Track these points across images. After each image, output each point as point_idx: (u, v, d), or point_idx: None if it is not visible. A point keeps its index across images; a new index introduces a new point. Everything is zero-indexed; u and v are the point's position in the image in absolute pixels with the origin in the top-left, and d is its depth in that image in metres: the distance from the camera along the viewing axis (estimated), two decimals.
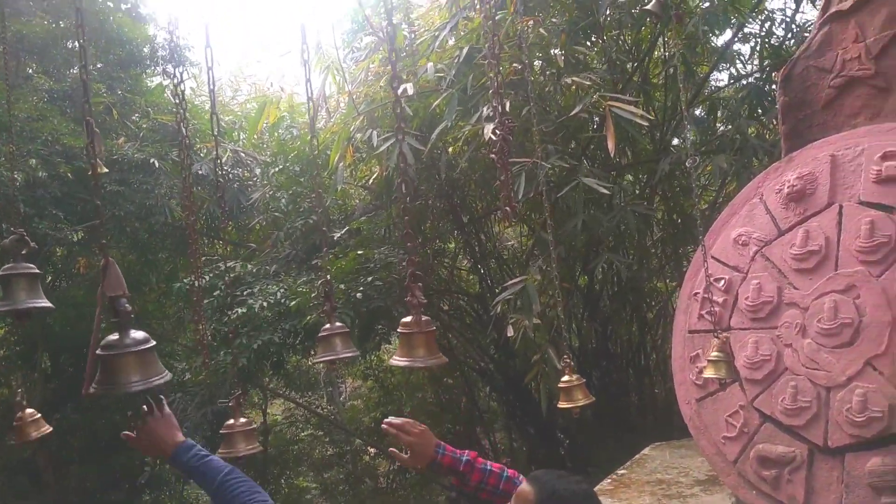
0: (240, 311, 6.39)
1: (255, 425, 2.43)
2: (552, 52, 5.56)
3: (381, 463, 10.69)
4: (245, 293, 6.71)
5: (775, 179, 2.91)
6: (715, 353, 2.35)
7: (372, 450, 10.55)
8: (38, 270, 1.87)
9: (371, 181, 7.18)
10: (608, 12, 5.98)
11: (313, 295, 5.85)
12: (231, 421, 2.36)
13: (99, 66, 7.98)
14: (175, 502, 9.52)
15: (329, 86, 7.25)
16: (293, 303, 6.12)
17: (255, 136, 8.64)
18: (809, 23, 6.05)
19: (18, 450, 8.59)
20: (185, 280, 7.10)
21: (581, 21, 5.76)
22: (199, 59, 8.90)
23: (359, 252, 6.27)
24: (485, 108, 5.17)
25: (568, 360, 2.74)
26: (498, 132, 2.04)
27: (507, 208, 2.07)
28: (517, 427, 9.07)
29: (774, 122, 6.01)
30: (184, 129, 2.79)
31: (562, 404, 2.67)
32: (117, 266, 1.70)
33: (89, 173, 1.66)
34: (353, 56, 6.78)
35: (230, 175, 8.36)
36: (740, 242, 2.95)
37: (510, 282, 5.39)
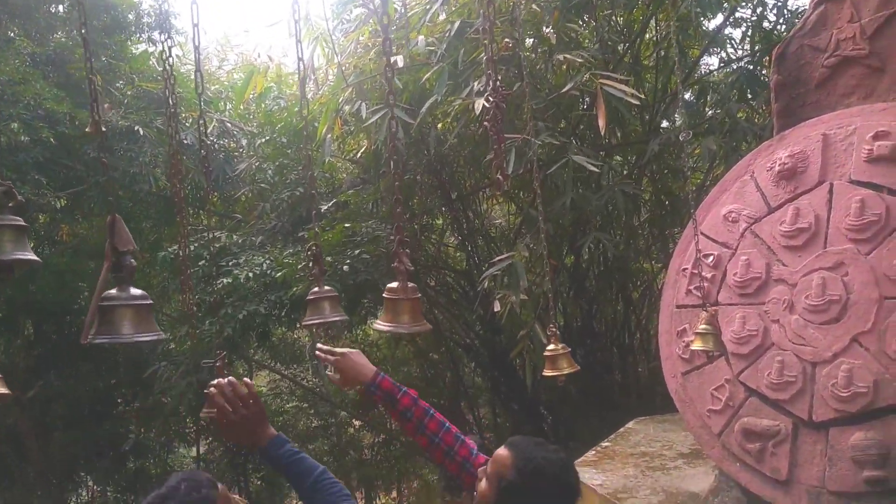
0: (225, 281, 6.37)
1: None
2: (544, 29, 5.52)
3: (365, 435, 10.76)
4: (230, 264, 6.67)
5: (767, 157, 2.92)
6: (703, 326, 2.37)
7: (357, 422, 10.59)
8: (24, 223, 1.83)
9: (359, 155, 7.13)
10: None
11: (300, 266, 5.83)
12: (216, 381, 2.34)
13: (83, 31, 7.80)
14: (160, 469, 9.53)
15: (318, 58, 7.16)
16: (279, 274, 6.10)
17: (242, 107, 8.52)
18: (802, 8, 6.04)
19: (2, 416, 8.55)
20: (169, 249, 7.04)
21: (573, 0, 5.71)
22: (185, 27, 8.74)
23: (346, 225, 6.24)
24: (475, 83, 5.14)
25: (553, 329, 2.75)
26: (491, 100, 2.01)
27: (499, 176, 2.05)
28: (501, 403, 9.15)
29: (765, 107, 6.04)
30: (171, 100, 2.76)
31: (547, 372, 2.69)
32: (123, 222, 1.75)
33: (87, 130, 1.66)
34: (343, 27, 6.69)
35: (216, 145, 8.26)
36: (730, 219, 2.97)
37: (498, 258, 5.40)
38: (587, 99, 6.16)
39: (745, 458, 2.79)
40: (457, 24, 5.37)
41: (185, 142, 7.78)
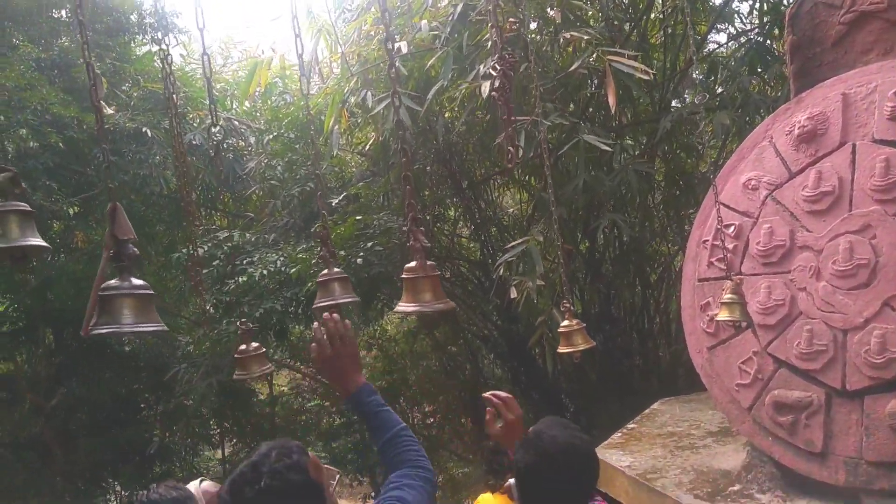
0: (240, 280, 6.35)
1: (264, 350, 2.57)
2: (549, 11, 5.43)
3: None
4: (245, 262, 6.65)
5: (785, 121, 2.82)
6: (728, 296, 2.29)
7: None
8: (31, 209, 1.79)
9: (367, 147, 7.07)
10: None
11: (313, 261, 5.79)
12: (243, 346, 2.48)
13: (89, 36, 7.81)
14: (185, 472, 9.57)
15: (322, 51, 7.11)
16: (293, 270, 6.06)
17: (249, 104, 8.50)
18: None
19: (26, 425, 8.62)
20: (183, 251, 7.03)
21: None
22: (187, 26, 8.72)
23: (357, 217, 6.19)
24: (481, 66, 5.06)
25: (567, 305, 2.68)
26: (498, 67, 1.94)
27: (510, 149, 1.98)
28: (522, 393, 9.07)
29: (776, 80, 5.92)
30: (174, 97, 2.77)
31: (562, 349, 2.63)
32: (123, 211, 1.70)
33: (95, 122, 1.64)
34: (345, 17, 6.63)
35: (224, 144, 8.24)
36: (750, 187, 2.88)
37: (512, 244, 5.33)
38: (595, 80, 6.06)
39: (778, 432, 2.71)
40: (459, 7, 5.29)
41: (194, 143, 7.77)
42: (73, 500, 8.66)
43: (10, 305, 8.96)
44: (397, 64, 5.30)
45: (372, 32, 5.85)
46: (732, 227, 2.88)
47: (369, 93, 5.45)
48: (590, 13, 6.16)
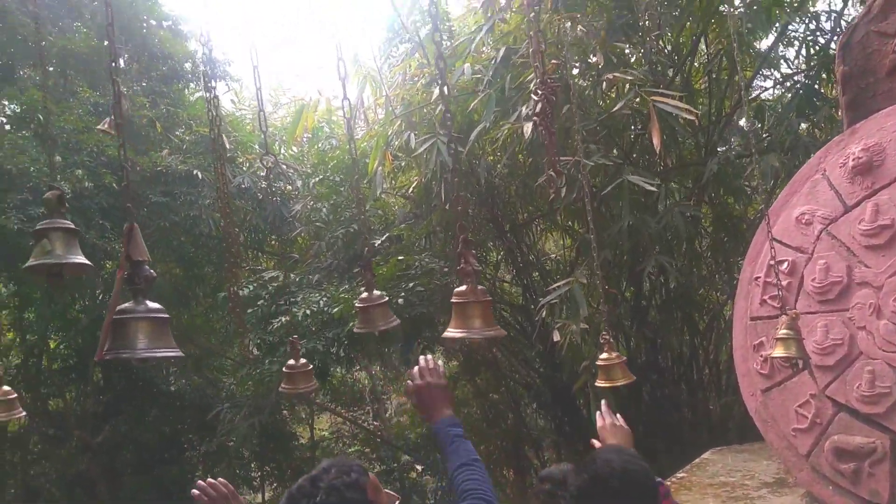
0: (283, 319, 6.40)
1: (311, 367, 2.75)
2: (591, 57, 5.46)
3: (428, 480, 10.52)
4: (288, 302, 6.72)
5: (838, 153, 2.73)
6: (784, 331, 2.17)
7: (419, 466, 10.39)
8: (75, 227, 1.83)
9: (410, 190, 7.14)
10: (646, 16, 5.87)
11: (356, 301, 5.80)
12: (291, 361, 2.67)
13: (143, 83, 8.20)
14: None
15: (367, 97, 7.29)
16: (336, 310, 6.08)
17: (296, 149, 8.71)
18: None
19: (74, 462, 8.73)
20: (231, 288, 7.13)
21: (619, 21, 5.64)
22: (238, 74, 9.06)
23: (399, 258, 6.21)
24: (523, 108, 5.09)
25: (607, 338, 2.58)
26: (539, 92, 1.92)
27: (552, 172, 1.95)
28: (566, 444, 8.81)
29: (825, 123, 5.79)
30: (224, 139, 2.90)
31: (600, 383, 2.53)
32: (139, 232, 1.69)
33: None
34: (390, 62, 6.80)
35: (272, 188, 8.44)
36: (803, 221, 2.77)
37: (555, 285, 5.25)
38: (639, 123, 6.04)
39: (839, 481, 2.53)
40: (502, 51, 5.37)
41: (243, 186, 7.99)
42: None
43: (61, 342, 9.20)
44: (443, 105, 5.37)
45: (416, 75, 5.97)
46: (786, 264, 2.77)
47: (412, 134, 5.53)
48: (633, 59, 6.17)
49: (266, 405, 7.30)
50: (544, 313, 5.25)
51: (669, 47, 6.58)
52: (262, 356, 6.79)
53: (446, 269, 6.35)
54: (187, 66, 8.26)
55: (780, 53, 6.68)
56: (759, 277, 2.85)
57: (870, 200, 2.59)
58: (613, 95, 5.49)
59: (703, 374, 7.68)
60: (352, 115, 3.10)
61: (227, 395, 8.67)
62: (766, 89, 7.24)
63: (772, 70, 6.99)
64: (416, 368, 1.93)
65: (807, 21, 6.22)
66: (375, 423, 11.01)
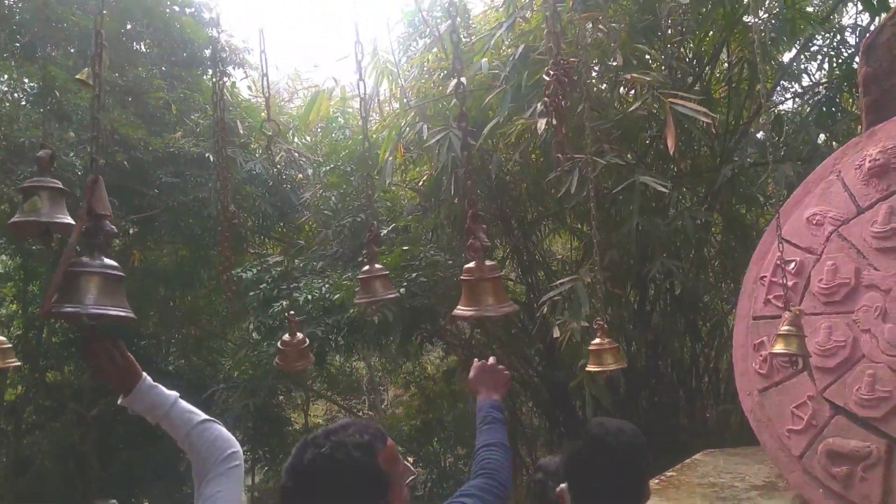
0: (284, 304, 6.40)
1: (307, 343, 2.59)
2: (611, 61, 5.44)
3: (419, 471, 10.53)
4: (291, 288, 6.72)
5: (854, 155, 2.71)
6: (786, 327, 2.15)
7: (411, 458, 10.39)
8: (63, 186, 1.81)
9: (420, 183, 7.14)
10: (668, 21, 5.86)
11: (357, 288, 5.80)
12: (286, 337, 2.47)
13: (163, 68, 8.24)
14: None
15: (384, 91, 7.30)
16: (337, 296, 6.09)
17: (309, 139, 8.72)
18: None
19: (67, 434, 8.76)
20: (234, 271, 7.14)
21: (640, 23, 5.63)
22: (258, 62, 9.08)
23: (405, 248, 6.21)
24: (538, 104, 5.07)
25: (601, 323, 2.57)
26: (552, 73, 1.91)
27: (559, 156, 1.94)
28: (559, 444, 8.79)
29: (844, 136, 5.76)
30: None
31: (591, 368, 2.52)
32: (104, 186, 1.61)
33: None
34: (408, 55, 6.80)
35: (283, 175, 8.46)
36: (814, 222, 2.75)
37: (559, 281, 5.24)
38: (654, 126, 6.02)
39: (830, 484, 2.51)
40: (521, 49, 5.36)
41: (254, 171, 8.01)
42: None
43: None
44: (457, 100, 5.37)
45: (433, 69, 5.97)
46: (793, 264, 2.75)
47: (425, 126, 5.52)
48: (653, 65, 6.15)
49: (262, 388, 7.31)
50: (546, 310, 5.24)
51: (690, 54, 6.56)
52: (262, 339, 6.80)
53: (450, 262, 6.35)
54: (207, 52, 8.31)
55: (802, 66, 6.66)
56: (765, 277, 2.84)
57: (884, 203, 2.57)
58: (630, 99, 5.47)
59: (703, 381, 7.65)
60: (366, 99, 3.09)
61: (224, 376, 8.67)
62: (786, 100, 7.22)
63: (792, 83, 6.97)
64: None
65: (831, 35, 6.20)
66: (370, 413, 11.01)
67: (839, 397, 2.54)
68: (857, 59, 5.93)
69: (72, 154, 6.44)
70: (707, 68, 6.43)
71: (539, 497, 2.28)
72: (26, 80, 7.16)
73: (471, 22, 6.84)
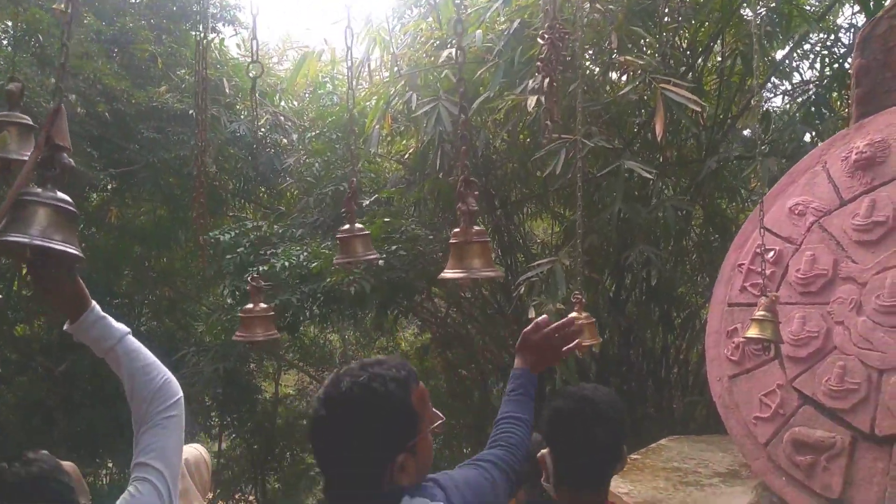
0: (261, 269, 6.33)
1: (273, 312, 2.37)
2: (605, 42, 5.39)
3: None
4: (269, 253, 6.64)
5: (841, 147, 2.70)
6: (761, 313, 2.15)
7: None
8: (32, 122, 1.73)
9: (406, 156, 7.06)
10: (666, 7, 5.81)
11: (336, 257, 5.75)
12: (249, 305, 2.30)
13: (151, 20, 8.03)
14: None
15: (375, 60, 7.18)
16: (314, 265, 6.02)
17: (296, 103, 8.58)
18: None
19: (34, 389, 8.64)
20: (210, 233, 7.04)
21: (637, 6, 5.58)
22: (248, 20, 8.90)
23: (386, 219, 6.15)
24: (530, 81, 5.02)
25: (579, 297, 2.55)
26: (546, 37, 1.86)
27: (548, 122, 1.90)
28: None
29: (830, 135, 5.78)
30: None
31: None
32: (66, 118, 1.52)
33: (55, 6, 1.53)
34: (402, 21, 6.70)
35: (267, 139, 8.33)
36: (796, 212, 2.74)
37: (538, 262, 5.23)
38: (644, 113, 6.00)
39: (793, 473, 2.53)
40: (516, 23, 5.29)
41: (238, 133, 7.86)
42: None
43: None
44: (448, 71, 5.27)
45: (426, 38, 5.88)
46: (772, 253, 2.74)
47: (415, 95, 5.45)
48: (648, 51, 6.11)
49: (233, 353, 7.24)
50: (523, 290, 5.23)
51: (685, 44, 6.53)
52: (236, 304, 6.72)
53: (431, 237, 6.31)
54: (195, 7, 8.11)
55: (795, 64, 6.67)
56: (744, 264, 2.83)
57: (867, 196, 2.57)
58: (622, 84, 5.44)
59: (672, 372, 7.72)
60: (356, 70, 3.00)
61: (195, 340, 8.59)
62: (775, 96, 7.24)
63: (783, 80, 6.97)
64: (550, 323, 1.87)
65: (825, 35, 6.20)
66: None
67: (808, 387, 2.55)
68: (849, 59, 5.97)
69: (52, 102, 6.28)
70: (700, 59, 6.41)
71: None
72: (8, 23, 6.95)
73: None
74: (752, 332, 2.17)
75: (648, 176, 4.73)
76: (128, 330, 1.64)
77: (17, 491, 1.51)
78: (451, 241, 1.82)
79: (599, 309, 7.27)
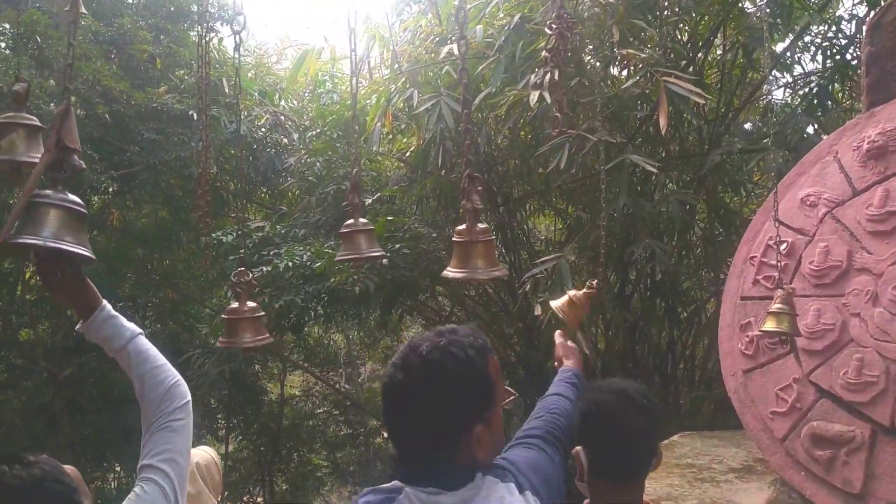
0: (264, 269, 6.30)
1: (262, 313, 2.13)
2: (606, 36, 5.35)
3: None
4: (271, 254, 6.61)
5: (853, 136, 2.66)
6: (778, 305, 2.11)
7: (385, 433, 10.38)
8: (40, 124, 1.71)
9: (407, 154, 7.03)
10: (666, 1, 5.78)
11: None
12: (234, 305, 2.04)
13: (150, 20, 7.99)
14: None
15: (375, 58, 7.15)
16: (318, 265, 5.99)
17: (296, 102, 8.55)
18: None
19: (39, 393, 8.62)
20: (213, 235, 7.01)
21: (638, 1, 5.54)
22: (247, 21, 8.86)
23: (389, 218, 6.12)
24: (532, 76, 4.99)
25: (594, 283, 2.48)
26: (554, 26, 1.83)
27: (557, 115, 1.86)
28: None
29: (834, 127, 5.74)
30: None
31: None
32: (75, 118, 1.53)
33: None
34: (401, 18, 6.67)
35: (268, 139, 8.30)
36: (808, 203, 2.71)
37: (543, 258, 5.20)
38: (647, 107, 5.96)
39: (812, 467, 2.49)
40: (516, 18, 5.26)
41: (239, 133, 7.81)
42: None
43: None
44: (449, 67, 5.24)
45: (426, 34, 5.84)
46: (785, 245, 2.71)
47: (416, 92, 5.41)
48: (649, 45, 6.07)
49: (237, 354, 7.22)
50: (528, 288, 5.20)
51: (686, 37, 6.49)
52: None
53: (434, 235, 6.27)
54: (194, 7, 8.07)
55: (796, 57, 6.62)
56: (756, 257, 2.80)
57: (880, 186, 2.53)
58: (623, 79, 5.40)
59: (678, 367, 7.68)
60: (357, 67, 2.97)
61: (200, 343, 8.56)
62: (777, 88, 7.19)
63: (784, 73, 6.93)
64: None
65: (826, 26, 6.16)
66: (347, 386, 10.97)
67: (825, 381, 2.52)
68: (851, 50, 5.93)
69: (52, 104, 6.24)
70: (701, 52, 6.37)
71: None
72: (7, 25, 6.92)
73: None
74: (769, 325, 2.13)
75: (652, 170, 4.68)
76: (140, 331, 1.63)
77: (20, 493, 1.48)
78: (454, 239, 1.78)
79: (605, 304, 7.26)
